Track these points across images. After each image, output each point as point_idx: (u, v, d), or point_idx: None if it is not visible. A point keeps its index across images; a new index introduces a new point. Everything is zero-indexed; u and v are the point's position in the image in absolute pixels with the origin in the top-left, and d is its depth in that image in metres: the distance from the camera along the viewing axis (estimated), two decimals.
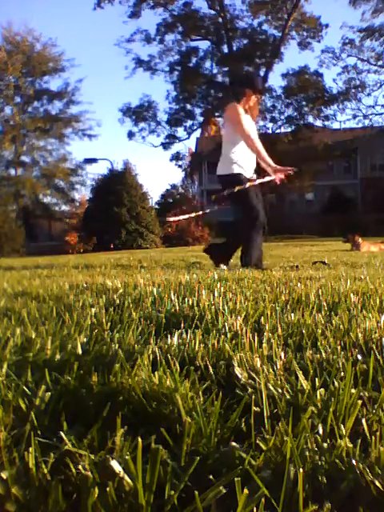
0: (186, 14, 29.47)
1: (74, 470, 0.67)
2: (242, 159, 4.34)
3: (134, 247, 17.31)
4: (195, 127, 32.45)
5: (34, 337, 1.36)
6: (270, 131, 30.38)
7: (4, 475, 0.64)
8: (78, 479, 0.66)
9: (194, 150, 37.41)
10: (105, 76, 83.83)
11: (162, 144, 32.26)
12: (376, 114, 30.18)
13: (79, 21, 75.03)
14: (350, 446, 0.72)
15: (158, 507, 0.62)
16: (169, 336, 1.36)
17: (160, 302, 1.96)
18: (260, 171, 4.60)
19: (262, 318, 1.60)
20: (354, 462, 0.68)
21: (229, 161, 4.34)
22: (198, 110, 31.91)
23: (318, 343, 1.28)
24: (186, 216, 4.98)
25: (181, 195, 30.56)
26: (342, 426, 0.79)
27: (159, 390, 0.93)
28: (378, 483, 0.65)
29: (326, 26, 29.20)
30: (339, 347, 1.23)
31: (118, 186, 18.47)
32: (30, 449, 0.68)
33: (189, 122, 31.99)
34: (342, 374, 1.02)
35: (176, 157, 33.08)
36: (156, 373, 0.99)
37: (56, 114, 33.28)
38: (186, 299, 1.93)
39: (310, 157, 27.12)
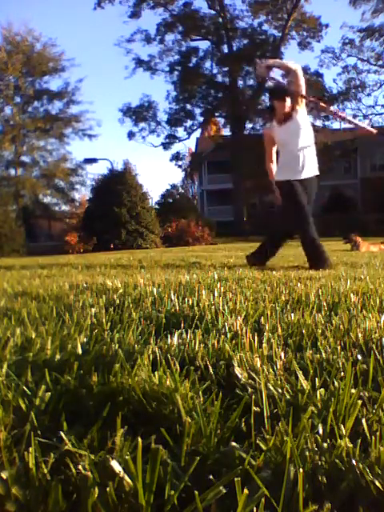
0: (185, 14, 29.46)
1: (74, 470, 0.67)
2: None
3: (134, 247, 17.29)
4: (195, 127, 32.44)
5: (34, 337, 1.36)
6: None
7: (4, 475, 0.64)
8: (77, 479, 0.66)
9: (194, 149, 37.42)
10: (105, 76, 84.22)
11: (162, 144, 32.23)
12: (376, 114, 30.18)
13: (79, 21, 75.31)
14: (350, 445, 0.72)
15: (158, 507, 0.62)
16: (169, 336, 1.36)
17: (160, 302, 1.96)
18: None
19: (262, 317, 1.60)
20: (354, 462, 0.68)
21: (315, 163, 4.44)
22: (197, 110, 31.89)
23: (318, 343, 1.28)
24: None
25: (181, 195, 30.56)
26: (342, 425, 0.79)
27: (159, 390, 0.93)
28: (377, 483, 0.65)
29: (326, 26, 29.19)
30: (339, 347, 1.23)
31: (118, 185, 18.45)
32: (30, 449, 0.68)
33: (189, 122, 31.98)
34: (342, 374, 1.02)
35: (176, 157, 33.07)
36: (156, 373, 0.99)
37: (56, 113, 33.30)
38: (186, 299, 1.93)
39: None
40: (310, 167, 4.38)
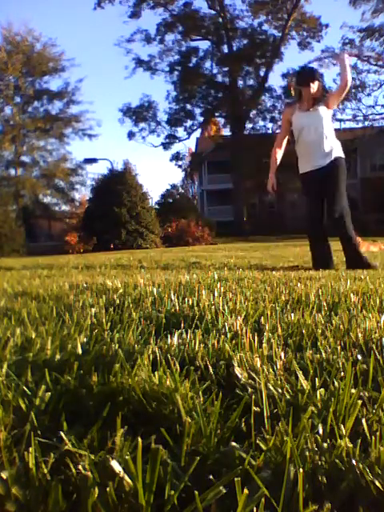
0: (185, 14, 29.48)
1: (74, 470, 0.67)
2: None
3: (134, 247, 17.30)
4: (195, 127, 32.48)
5: (34, 337, 1.36)
6: (270, 131, 30.40)
7: (4, 475, 0.64)
8: (77, 479, 0.66)
9: (194, 149, 37.43)
10: (105, 76, 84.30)
11: (162, 144, 32.28)
12: (376, 114, 30.17)
13: (79, 21, 75.38)
14: (350, 445, 0.72)
15: (158, 507, 0.62)
16: (169, 336, 1.36)
17: (160, 302, 1.96)
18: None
19: (262, 317, 1.60)
20: (354, 462, 0.68)
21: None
22: (197, 110, 31.96)
23: (318, 343, 1.28)
24: None
25: (181, 195, 30.55)
26: (342, 425, 0.79)
27: (159, 390, 0.93)
28: (377, 483, 0.65)
29: (326, 26, 29.27)
30: (339, 347, 1.23)
31: (118, 185, 18.46)
32: (30, 449, 0.68)
33: (189, 122, 32.03)
34: (342, 374, 1.02)
35: (176, 157, 33.11)
36: (156, 373, 0.99)
37: (56, 113, 33.33)
38: (186, 299, 1.93)
39: None
40: (328, 153, 4.31)
